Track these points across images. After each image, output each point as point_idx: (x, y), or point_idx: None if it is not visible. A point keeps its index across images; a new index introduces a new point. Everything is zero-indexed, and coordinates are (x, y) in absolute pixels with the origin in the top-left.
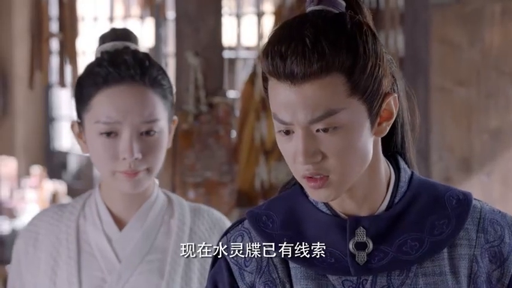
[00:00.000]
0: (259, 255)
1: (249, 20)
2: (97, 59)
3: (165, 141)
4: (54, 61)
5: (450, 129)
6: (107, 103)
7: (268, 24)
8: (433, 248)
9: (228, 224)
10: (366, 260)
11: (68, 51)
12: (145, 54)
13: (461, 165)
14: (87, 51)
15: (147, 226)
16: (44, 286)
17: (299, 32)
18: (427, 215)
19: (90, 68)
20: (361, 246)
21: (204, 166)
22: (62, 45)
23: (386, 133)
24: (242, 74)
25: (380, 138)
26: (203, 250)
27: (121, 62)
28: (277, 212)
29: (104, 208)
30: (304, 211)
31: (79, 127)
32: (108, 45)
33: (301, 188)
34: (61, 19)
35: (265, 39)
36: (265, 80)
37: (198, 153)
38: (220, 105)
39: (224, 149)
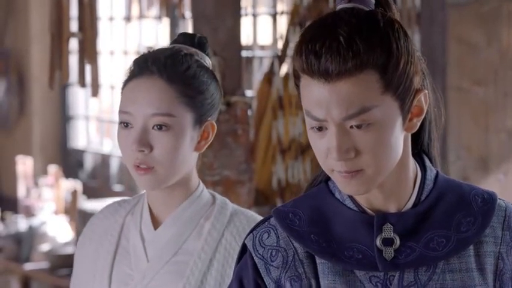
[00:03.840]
0: (285, 251)
1: (264, 19)
2: (137, 57)
3: (183, 141)
4: (72, 61)
5: (467, 129)
6: (125, 94)
7: (284, 23)
8: (460, 245)
9: None
10: (393, 255)
11: (88, 51)
12: (186, 55)
13: (478, 165)
14: (103, 50)
15: (179, 227)
16: (87, 277)
17: (333, 30)
18: (454, 213)
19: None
20: (388, 242)
21: (222, 165)
22: (82, 45)
23: (416, 129)
24: (258, 73)
25: (410, 135)
26: (231, 260)
27: (149, 58)
28: (304, 210)
29: (147, 206)
30: (331, 208)
31: None
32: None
33: (327, 186)
34: (81, 19)
35: (282, 39)
36: (297, 78)
37: (216, 152)
38: (238, 104)
39: (242, 148)
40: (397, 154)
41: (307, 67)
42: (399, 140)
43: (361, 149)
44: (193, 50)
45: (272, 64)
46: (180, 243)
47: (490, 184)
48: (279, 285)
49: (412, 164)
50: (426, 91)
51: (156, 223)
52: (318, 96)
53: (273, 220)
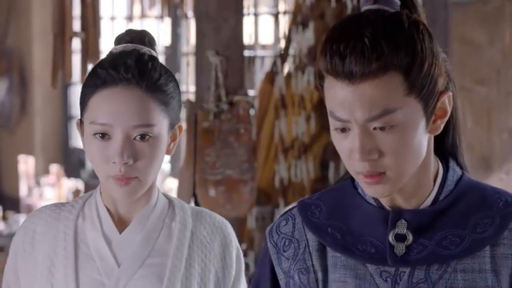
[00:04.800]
0: (298, 242)
1: (266, 18)
2: (101, 60)
3: (162, 148)
4: (75, 60)
5: (470, 128)
6: (100, 104)
7: (286, 22)
8: (474, 245)
9: (229, 229)
10: (404, 251)
11: (90, 51)
12: (152, 58)
13: (481, 164)
14: (105, 50)
15: (147, 229)
16: (41, 286)
17: (357, 31)
18: (471, 214)
19: (93, 69)
20: (401, 238)
21: (224, 164)
22: (84, 44)
23: (440, 131)
24: (260, 73)
25: (433, 136)
26: (204, 257)
27: (121, 65)
28: (326, 202)
29: (104, 210)
30: (352, 202)
31: (81, 126)
32: (119, 47)
33: (353, 180)
34: (83, 18)
35: (284, 38)
36: (321, 78)
37: (219, 151)
38: (240, 103)
39: (244, 147)
40: (420, 156)
41: (331, 68)
42: (422, 141)
43: (384, 151)
44: (146, 49)
45: (274, 63)
46: (151, 245)
47: (492, 183)
48: (288, 276)
49: (433, 164)
50: (450, 93)
51: (119, 227)
52: (341, 97)
53: (295, 210)
